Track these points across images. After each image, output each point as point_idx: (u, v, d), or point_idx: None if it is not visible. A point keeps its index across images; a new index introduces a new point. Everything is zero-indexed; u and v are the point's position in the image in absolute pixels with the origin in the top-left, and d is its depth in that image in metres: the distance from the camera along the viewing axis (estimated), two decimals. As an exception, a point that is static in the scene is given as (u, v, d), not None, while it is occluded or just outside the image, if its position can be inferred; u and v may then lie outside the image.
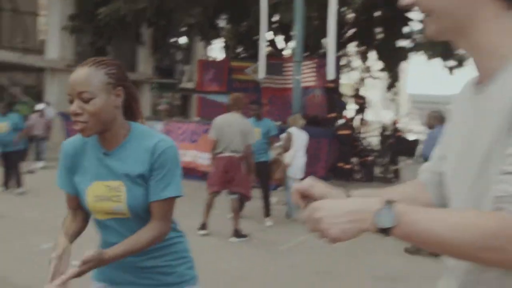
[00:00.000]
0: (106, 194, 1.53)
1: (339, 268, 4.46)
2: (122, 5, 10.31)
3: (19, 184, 7.37)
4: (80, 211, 1.66)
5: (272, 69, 15.38)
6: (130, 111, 1.62)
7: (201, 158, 9.88)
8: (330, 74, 8.02)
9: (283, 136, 6.45)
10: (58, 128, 13.95)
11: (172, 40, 22.15)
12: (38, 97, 17.47)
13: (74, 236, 1.62)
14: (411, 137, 18.13)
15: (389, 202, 0.79)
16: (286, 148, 6.32)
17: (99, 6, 11.45)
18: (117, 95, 1.48)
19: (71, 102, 1.46)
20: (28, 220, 5.76)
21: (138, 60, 22.31)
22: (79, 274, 1.34)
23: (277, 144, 6.38)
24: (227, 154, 5.20)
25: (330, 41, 7.87)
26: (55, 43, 18.03)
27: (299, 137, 6.61)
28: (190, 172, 9.98)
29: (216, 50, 28.99)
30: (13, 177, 7.36)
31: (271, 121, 6.62)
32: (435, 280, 0.97)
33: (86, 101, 1.43)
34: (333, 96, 13.80)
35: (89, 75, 1.46)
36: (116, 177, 1.53)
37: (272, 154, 6.40)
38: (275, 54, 16.84)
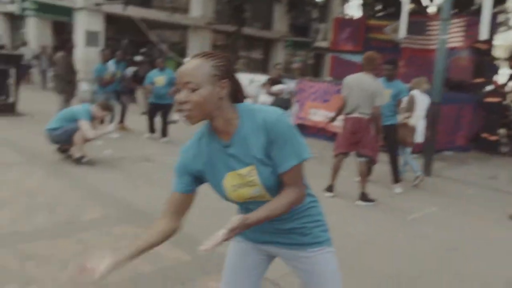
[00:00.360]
0: (241, 182, 1.61)
1: (468, 246, 4.15)
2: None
3: (164, 133, 8.08)
4: (175, 215, 1.75)
5: (414, 28, 14.35)
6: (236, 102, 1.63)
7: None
8: (483, 34, 7.18)
9: (405, 99, 6.10)
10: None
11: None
12: (182, 52, 18.79)
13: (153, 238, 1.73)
14: None
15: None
16: (408, 110, 6.08)
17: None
18: (222, 87, 1.51)
19: (178, 91, 1.52)
20: (169, 165, 6.33)
21: (274, 18, 22.51)
22: (226, 239, 1.45)
23: (401, 106, 6.08)
24: (355, 115, 5.05)
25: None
26: (198, 2, 19.02)
27: (421, 101, 6.27)
28: (320, 132, 10.00)
29: (354, 8, 27.97)
30: (161, 126, 8.06)
31: (403, 83, 6.18)
32: None
33: (192, 91, 1.48)
34: (483, 59, 12.43)
35: (197, 66, 1.50)
36: (244, 164, 1.59)
37: (400, 117, 6.08)
38: (418, 11, 15.65)
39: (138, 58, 20.26)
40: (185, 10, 20.02)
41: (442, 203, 5.48)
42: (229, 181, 1.63)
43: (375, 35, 15.58)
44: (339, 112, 5.49)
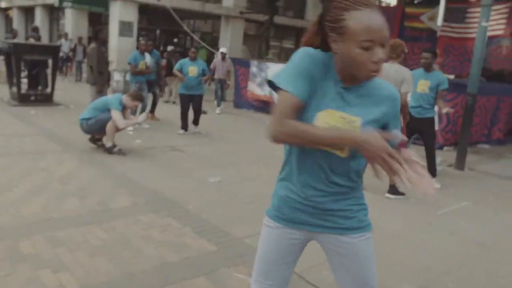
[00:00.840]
0: (340, 124, 1.50)
1: (500, 243, 4.01)
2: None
3: (196, 122, 8.09)
4: None
5: (453, 15, 13.92)
6: None
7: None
8: None
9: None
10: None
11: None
12: (214, 42, 18.87)
13: None
14: None
15: None
16: None
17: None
18: None
19: (368, 48, 1.39)
20: (198, 154, 6.40)
21: (307, 6, 22.27)
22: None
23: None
24: None
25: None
26: (230, -9, 19.02)
27: None
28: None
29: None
30: (193, 116, 8.01)
31: (442, 74, 5.94)
32: None
33: (383, 46, 1.41)
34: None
35: (384, 21, 1.43)
36: (353, 113, 1.51)
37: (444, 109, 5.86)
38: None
39: (170, 48, 20.52)
40: (217, 0, 20.07)
41: (474, 198, 5.32)
42: (326, 117, 1.51)
43: (410, 24, 15.18)
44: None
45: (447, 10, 14.05)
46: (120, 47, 15.84)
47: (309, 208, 1.62)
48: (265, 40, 19.99)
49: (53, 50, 10.03)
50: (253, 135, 8.40)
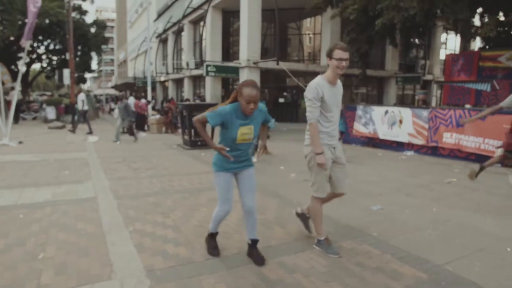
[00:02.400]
0: (247, 131, 2.81)
1: None
2: (396, 14, 9.73)
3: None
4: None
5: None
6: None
7: (466, 141, 8.57)
8: None
9: None
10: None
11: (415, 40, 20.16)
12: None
13: None
14: None
15: None
16: None
17: (372, 19, 11.16)
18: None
19: (248, 102, 2.73)
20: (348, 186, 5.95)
21: (386, 59, 21.27)
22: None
23: None
24: None
25: None
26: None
27: None
28: (455, 152, 8.85)
29: (453, 42, 25.22)
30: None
31: None
32: None
33: (255, 103, 2.79)
34: None
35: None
36: (250, 125, 2.81)
37: None
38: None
39: (281, 100, 20.71)
40: (317, 60, 19.97)
41: None
42: (241, 128, 2.77)
43: (488, 64, 13.64)
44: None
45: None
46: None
47: (239, 161, 2.93)
48: (355, 88, 19.36)
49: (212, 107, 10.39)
50: (376, 166, 7.79)
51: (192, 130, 10.03)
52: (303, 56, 21.14)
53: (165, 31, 27.68)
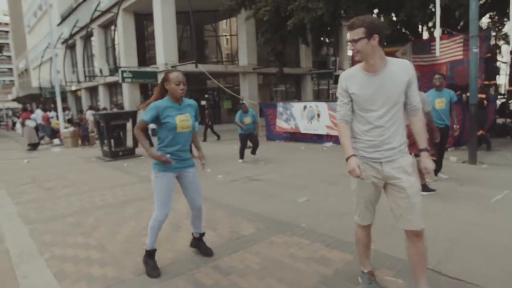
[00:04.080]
0: (185, 119, 2.81)
1: None
2: (305, 15, 10.26)
3: (255, 152, 8.29)
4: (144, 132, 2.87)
5: (419, 48, 13.80)
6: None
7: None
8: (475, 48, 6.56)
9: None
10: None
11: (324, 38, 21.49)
12: (237, 93, 18.80)
13: None
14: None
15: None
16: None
17: (285, 20, 11.61)
18: None
19: (178, 84, 2.80)
20: (275, 181, 6.08)
21: (301, 57, 22.35)
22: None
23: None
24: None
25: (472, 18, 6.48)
26: (244, 54, 19.07)
27: None
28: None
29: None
30: (254, 148, 8.28)
31: (450, 90, 5.68)
32: None
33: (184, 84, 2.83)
34: (486, 65, 11.69)
35: None
36: (185, 113, 2.83)
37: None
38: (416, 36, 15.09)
39: (203, 102, 20.51)
40: (235, 61, 20.17)
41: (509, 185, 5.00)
42: (178, 119, 2.77)
43: (388, 59, 15.12)
44: None
45: (414, 45, 14.06)
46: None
47: (180, 159, 2.87)
48: (274, 86, 20.00)
49: (132, 115, 9.89)
50: (300, 159, 8.13)
51: (112, 141, 9.42)
52: (221, 57, 21.20)
53: (71, 36, 25.55)
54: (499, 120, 11.65)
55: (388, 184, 2.21)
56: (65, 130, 13.58)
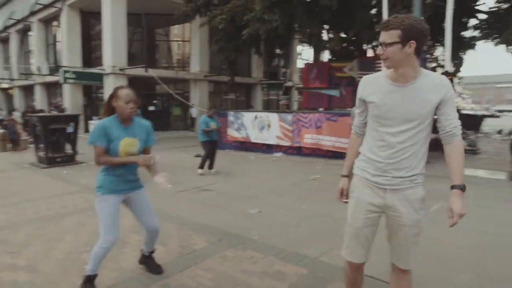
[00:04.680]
0: (130, 143, 2.52)
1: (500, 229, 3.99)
2: (261, 26, 10.37)
3: (213, 166, 7.58)
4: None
5: (365, 66, 14.63)
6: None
7: (324, 141, 9.67)
8: None
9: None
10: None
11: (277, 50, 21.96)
12: (187, 100, 18.45)
13: None
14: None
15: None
16: None
17: (240, 29, 11.65)
18: None
19: (127, 103, 2.51)
20: (227, 192, 5.98)
21: (252, 67, 22.57)
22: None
23: None
24: None
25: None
26: (196, 61, 18.82)
27: None
28: (316, 151, 9.90)
29: (309, 54, 28.48)
30: (211, 161, 7.56)
31: None
32: None
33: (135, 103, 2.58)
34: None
35: None
36: (133, 137, 2.54)
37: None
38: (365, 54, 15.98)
39: (151, 108, 19.85)
40: (186, 67, 19.83)
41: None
42: (123, 141, 2.49)
43: (336, 74, 15.78)
44: None
45: (361, 62, 14.85)
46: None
47: (126, 181, 2.61)
48: (224, 95, 19.96)
49: (74, 118, 9.22)
50: (251, 169, 8.09)
51: (50, 145, 8.69)
52: (172, 63, 20.74)
53: (5, 28, 23.44)
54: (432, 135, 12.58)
55: (389, 213, 1.87)
56: (-5, 132, 12.32)
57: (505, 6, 13.86)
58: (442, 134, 1.81)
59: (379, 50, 1.77)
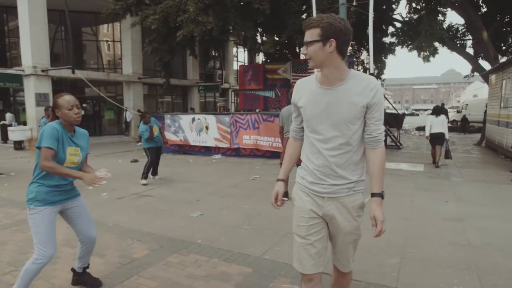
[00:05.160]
0: (74, 151, 2.43)
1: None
2: (195, 27, 10.25)
3: (157, 172, 7.24)
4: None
5: (299, 67, 15.26)
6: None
7: (262, 141, 9.89)
8: None
9: None
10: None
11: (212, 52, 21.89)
12: (120, 103, 17.57)
13: None
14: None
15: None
16: None
17: (174, 30, 11.39)
18: None
19: (70, 109, 2.41)
20: (167, 197, 5.81)
21: (188, 69, 22.22)
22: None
23: None
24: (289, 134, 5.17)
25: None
26: (128, 63, 18.00)
27: None
28: (254, 152, 10.07)
29: (243, 56, 28.80)
30: (154, 168, 7.14)
31: None
32: None
33: (78, 107, 2.48)
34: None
35: None
36: (77, 146, 2.47)
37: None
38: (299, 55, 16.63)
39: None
40: (118, 69, 18.88)
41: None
42: (69, 149, 2.40)
43: (271, 75, 16.20)
44: (281, 135, 5.40)
45: (294, 64, 15.44)
46: (38, 116, 13.73)
47: (61, 191, 2.47)
48: (160, 97, 19.37)
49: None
50: (190, 173, 7.99)
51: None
52: (102, 64, 19.61)
53: None
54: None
55: (328, 220, 1.80)
56: None
57: (415, 16, 15.42)
58: (367, 138, 1.72)
59: (303, 50, 1.72)
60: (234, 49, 27.61)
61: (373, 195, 1.72)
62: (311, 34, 1.65)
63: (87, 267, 2.81)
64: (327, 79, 1.70)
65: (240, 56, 28.93)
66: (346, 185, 1.73)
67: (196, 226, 4.27)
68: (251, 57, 26.35)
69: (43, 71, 13.95)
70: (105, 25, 19.50)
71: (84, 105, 18.69)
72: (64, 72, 14.24)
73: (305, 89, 1.79)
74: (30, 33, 13.82)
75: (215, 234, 3.97)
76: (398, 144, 12.00)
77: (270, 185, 6.42)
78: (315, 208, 1.78)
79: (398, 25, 18.21)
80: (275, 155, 9.54)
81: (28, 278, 2.35)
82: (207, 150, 10.81)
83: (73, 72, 13.01)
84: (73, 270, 2.82)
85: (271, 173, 7.52)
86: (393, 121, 13.65)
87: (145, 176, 6.77)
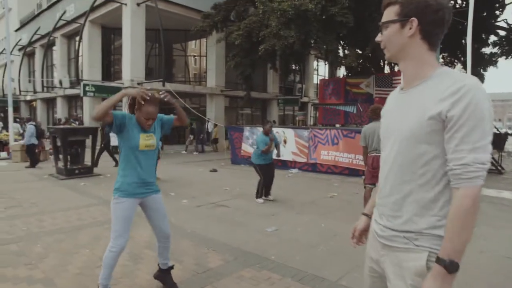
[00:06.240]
0: (148, 137, 2.63)
1: None
2: (277, 42, 10.46)
3: (269, 192, 6.53)
4: None
5: (382, 82, 14.54)
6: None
7: (341, 157, 9.55)
8: None
9: None
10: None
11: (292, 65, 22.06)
12: (203, 114, 18.60)
13: None
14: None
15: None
16: None
17: (256, 45, 11.77)
18: None
19: (146, 118, 2.63)
20: (243, 208, 5.93)
21: (268, 82, 22.70)
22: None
23: None
24: (374, 154, 4.86)
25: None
26: (212, 76, 19.05)
27: None
28: (332, 168, 9.77)
29: (323, 70, 28.51)
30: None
31: None
32: None
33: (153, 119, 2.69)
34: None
35: None
36: (150, 133, 2.67)
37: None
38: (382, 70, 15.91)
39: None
40: (202, 82, 20.09)
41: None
42: (142, 136, 2.59)
43: (353, 90, 15.71)
44: (365, 157, 5.11)
45: (377, 78, 14.75)
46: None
47: (143, 184, 2.64)
48: (240, 109, 20.05)
49: (93, 131, 9.39)
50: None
51: (68, 157, 8.84)
52: (189, 77, 21.05)
53: (31, 43, 24.34)
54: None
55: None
56: (15, 143, 12.64)
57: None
58: (447, 171, 1.13)
59: (378, 37, 1.30)
60: (315, 63, 27.49)
61: (437, 260, 1.10)
62: (388, 14, 1.24)
63: (172, 267, 2.97)
64: (404, 77, 1.25)
65: (320, 69, 28.70)
66: (403, 232, 1.19)
67: (270, 241, 4.22)
68: (332, 71, 25.94)
69: (138, 84, 15.46)
70: (193, 41, 20.97)
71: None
72: (156, 85, 15.57)
73: (390, 96, 1.39)
74: (130, 50, 15.50)
75: (290, 251, 3.87)
76: (500, 168, 10.59)
77: (348, 204, 6.12)
78: (374, 254, 1.33)
79: (502, 33, 16.40)
80: (354, 172, 9.13)
81: (108, 266, 2.56)
82: (283, 164, 10.78)
83: (163, 85, 14.18)
84: (159, 265, 3.00)
85: (350, 192, 7.19)
86: (494, 141, 12.16)
87: (259, 195, 6.36)
